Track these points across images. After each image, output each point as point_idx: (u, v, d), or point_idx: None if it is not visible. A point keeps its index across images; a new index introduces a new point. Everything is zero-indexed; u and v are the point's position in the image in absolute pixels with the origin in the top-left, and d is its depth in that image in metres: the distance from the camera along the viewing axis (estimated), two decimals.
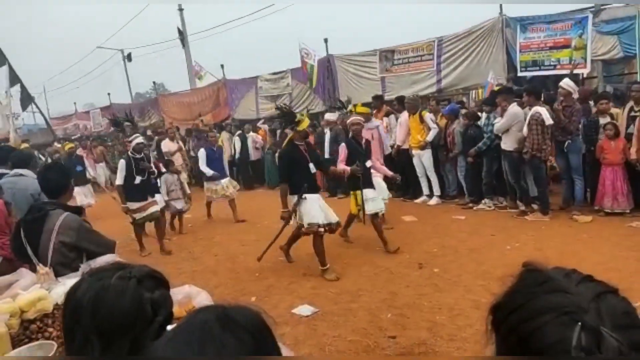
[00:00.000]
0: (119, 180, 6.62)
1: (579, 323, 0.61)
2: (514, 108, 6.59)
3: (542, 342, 0.63)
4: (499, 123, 6.72)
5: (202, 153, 8.51)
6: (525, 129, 6.41)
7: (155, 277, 1.18)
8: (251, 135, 12.21)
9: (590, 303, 0.64)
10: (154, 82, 21.72)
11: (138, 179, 6.62)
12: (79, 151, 12.28)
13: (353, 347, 3.62)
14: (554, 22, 8.49)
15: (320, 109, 12.08)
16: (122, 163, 6.67)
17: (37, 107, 10.57)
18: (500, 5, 9.00)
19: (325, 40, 11.82)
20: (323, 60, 11.78)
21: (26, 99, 10.86)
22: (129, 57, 23.51)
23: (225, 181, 8.47)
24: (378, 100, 9.24)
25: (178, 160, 9.97)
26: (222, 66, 14.67)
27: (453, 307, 4.09)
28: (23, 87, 10.70)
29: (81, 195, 9.78)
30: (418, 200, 8.41)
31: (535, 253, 5.19)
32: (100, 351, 1.07)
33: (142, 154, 6.84)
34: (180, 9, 18.62)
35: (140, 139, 6.91)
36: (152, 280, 1.16)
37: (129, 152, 6.79)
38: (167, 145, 10.45)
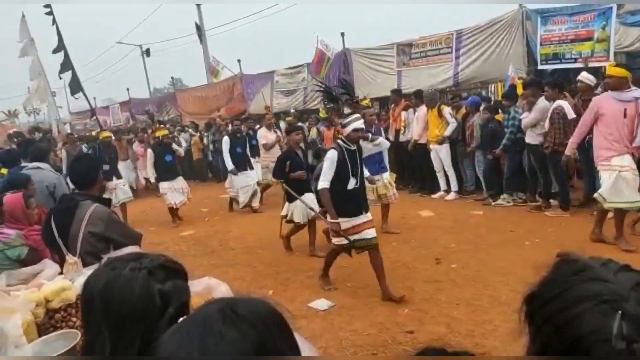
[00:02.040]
0: (325, 182, 4.23)
1: (620, 311, 0.60)
2: (543, 102, 6.45)
3: (579, 331, 0.62)
4: (527, 118, 6.58)
5: None
6: (547, 123, 6.31)
7: (168, 268, 1.16)
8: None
9: (630, 291, 0.63)
10: (172, 78, 21.94)
11: (352, 182, 4.28)
12: (136, 145, 11.64)
13: (370, 341, 3.63)
14: (576, 13, 8.31)
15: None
16: (332, 154, 4.25)
17: (85, 95, 10.34)
18: None
19: (342, 34, 11.78)
20: (340, 54, 11.74)
21: (76, 86, 10.66)
22: (147, 53, 23.76)
23: (387, 176, 6.41)
24: (396, 94, 9.19)
25: (277, 153, 8.33)
26: (239, 61, 14.75)
27: (471, 302, 4.06)
28: (74, 74, 10.44)
29: (170, 192, 8.21)
30: (435, 196, 8.36)
31: (555, 249, 5.05)
32: (111, 342, 1.07)
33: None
34: (198, 5, 18.73)
35: (362, 122, 4.41)
36: (164, 271, 1.14)
37: (340, 140, 4.44)
38: (264, 136, 8.79)
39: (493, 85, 9.18)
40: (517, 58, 8.83)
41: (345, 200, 4.27)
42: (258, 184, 8.78)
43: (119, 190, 8.35)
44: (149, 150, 8.44)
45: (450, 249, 5.53)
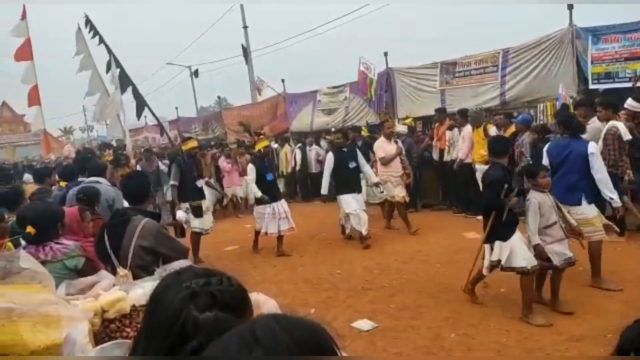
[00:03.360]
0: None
1: None
2: (596, 123, 6.24)
3: None
4: None
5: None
6: (600, 144, 6.07)
7: (214, 297, 1.04)
8: (315, 147, 12.25)
9: None
10: (218, 97, 22.56)
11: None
12: (221, 161, 10.88)
13: None
14: (630, 31, 8.02)
15: (374, 122, 12.05)
16: None
17: (152, 112, 10.17)
18: (570, 16, 8.64)
19: (385, 54, 11.82)
20: (382, 73, 11.76)
21: (140, 105, 10.36)
22: (196, 73, 24.60)
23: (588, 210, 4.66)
24: (441, 113, 9.10)
25: (397, 168, 7.44)
26: (282, 80, 15.02)
27: (522, 329, 3.90)
28: (135, 91, 10.12)
29: (269, 217, 6.81)
30: (480, 217, 8.12)
31: (610, 276, 4.86)
32: (142, 350, 1.06)
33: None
34: (245, 27, 19.33)
35: None
36: (210, 299, 1.04)
37: None
38: (382, 148, 7.44)
39: (542, 104, 8.94)
40: (566, 77, 8.57)
41: None
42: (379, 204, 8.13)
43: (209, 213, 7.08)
44: (250, 165, 7.03)
45: (498, 272, 5.33)
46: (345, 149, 7.22)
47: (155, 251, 2.87)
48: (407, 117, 10.67)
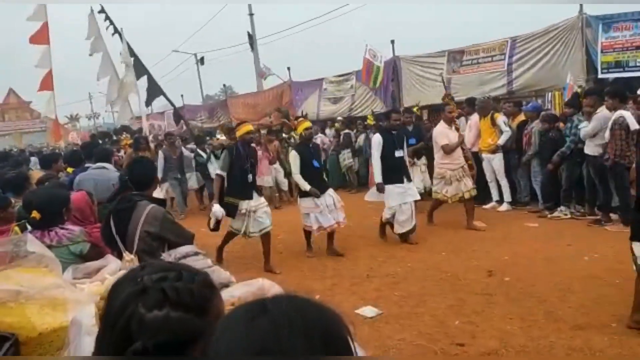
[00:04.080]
0: None
1: None
2: (604, 112, 6.19)
3: None
4: (587, 127, 6.34)
5: None
6: (607, 134, 6.02)
7: (166, 293, 0.94)
8: (320, 136, 12.20)
9: None
10: (224, 85, 22.54)
11: None
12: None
13: (419, 352, 3.56)
14: None
15: (380, 110, 11.99)
16: None
17: (168, 98, 9.94)
18: (580, 4, 8.51)
19: (392, 42, 11.73)
20: (389, 61, 11.67)
21: (154, 92, 10.13)
22: (202, 61, 24.57)
23: None
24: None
25: (456, 159, 6.66)
26: (288, 69, 14.97)
27: (525, 317, 3.91)
28: (150, 78, 9.50)
29: (316, 211, 5.98)
30: (487, 206, 8.11)
31: (616, 266, 4.84)
32: (97, 344, 1.01)
33: None
34: (251, 14, 19.21)
35: None
36: (161, 296, 0.94)
37: None
38: (444, 134, 6.67)
39: (550, 93, 8.85)
40: (575, 66, 8.48)
41: None
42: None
43: (261, 212, 5.86)
44: (293, 153, 6.16)
45: (503, 261, 5.34)
46: (394, 132, 6.27)
47: (160, 237, 2.89)
48: (414, 105, 10.60)
